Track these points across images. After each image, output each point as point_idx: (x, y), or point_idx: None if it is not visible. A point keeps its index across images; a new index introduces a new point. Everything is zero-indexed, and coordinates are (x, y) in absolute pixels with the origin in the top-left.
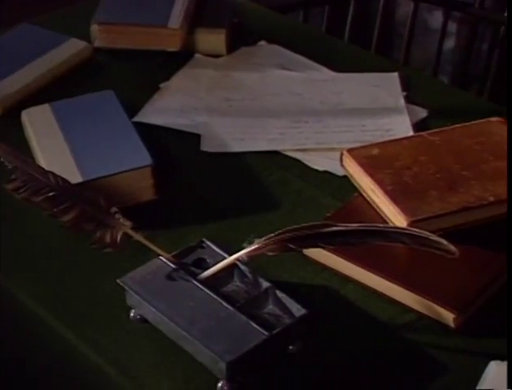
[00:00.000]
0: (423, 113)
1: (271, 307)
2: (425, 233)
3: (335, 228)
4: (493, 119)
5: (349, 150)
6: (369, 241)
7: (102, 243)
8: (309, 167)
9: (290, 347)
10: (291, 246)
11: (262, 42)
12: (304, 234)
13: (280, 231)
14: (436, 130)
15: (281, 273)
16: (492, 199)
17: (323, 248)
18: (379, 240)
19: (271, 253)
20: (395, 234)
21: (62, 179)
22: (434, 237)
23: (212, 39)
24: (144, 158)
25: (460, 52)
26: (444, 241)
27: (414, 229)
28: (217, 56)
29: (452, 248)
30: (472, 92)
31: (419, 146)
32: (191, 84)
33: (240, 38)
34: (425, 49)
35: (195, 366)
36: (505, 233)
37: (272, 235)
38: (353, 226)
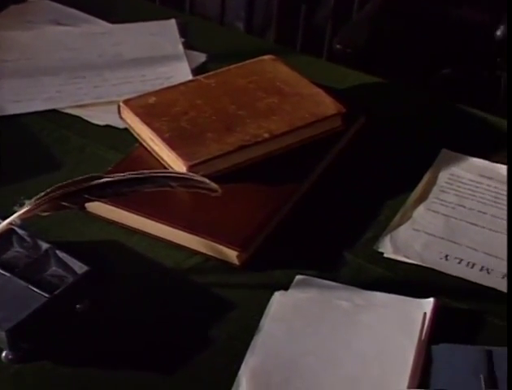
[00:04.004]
0: (202, 58)
1: (54, 269)
2: (189, 174)
3: (103, 180)
4: (266, 57)
5: (126, 101)
6: (139, 189)
7: None
8: (89, 123)
9: (77, 306)
10: (64, 204)
11: None
12: (74, 189)
13: (49, 189)
14: (212, 73)
15: (65, 233)
16: (266, 136)
17: (97, 201)
18: (148, 187)
19: (45, 214)
20: (161, 178)
21: None
22: (197, 177)
23: None
24: None
25: None
26: (206, 180)
27: (178, 172)
28: None
29: (214, 186)
30: (269, 36)
31: (195, 90)
32: None
33: None
34: None
35: None
36: (283, 168)
37: (42, 194)
38: (120, 175)
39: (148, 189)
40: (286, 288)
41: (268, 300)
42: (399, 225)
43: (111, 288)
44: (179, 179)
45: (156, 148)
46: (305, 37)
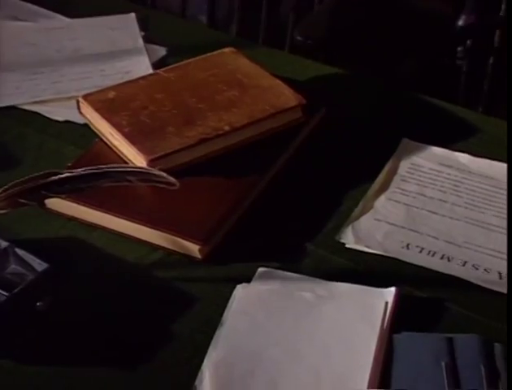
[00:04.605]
0: (162, 51)
1: (13, 267)
2: (146, 168)
3: (60, 176)
4: (226, 49)
5: (85, 96)
6: (97, 184)
7: None
8: (49, 119)
9: (38, 304)
10: (22, 201)
11: None
12: (32, 186)
13: (7, 186)
14: (172, 66)
15: (24, 230)
16: (227, 128)
17: (55, 197)
18: (106, 182)
19: (2, 211)
20: (119, 173)
21: None
22: (155, 171)
23: None
24: None
25: None
26: (163, 174)
27: (136, 166)
28: None
29: (172, 180)
30: (233, 29)
31: (155, 84)
32: None
33: None
34: None
35: None
36: (244, 161)
37: None
38: (78, 171)
39: (106, 184)
40: (248, 281)
41: (231, 293)
42: (361, 215)
43: (72, 284)
44: (136, 173)
45: (116, 143)
46: (268, 30)
